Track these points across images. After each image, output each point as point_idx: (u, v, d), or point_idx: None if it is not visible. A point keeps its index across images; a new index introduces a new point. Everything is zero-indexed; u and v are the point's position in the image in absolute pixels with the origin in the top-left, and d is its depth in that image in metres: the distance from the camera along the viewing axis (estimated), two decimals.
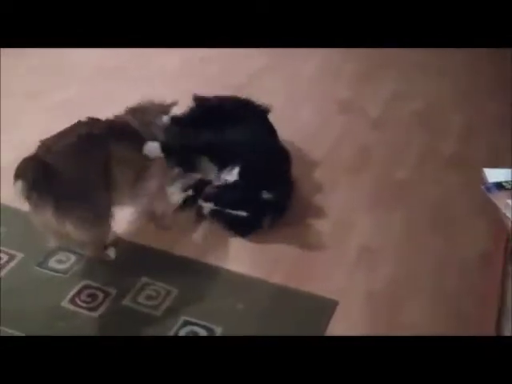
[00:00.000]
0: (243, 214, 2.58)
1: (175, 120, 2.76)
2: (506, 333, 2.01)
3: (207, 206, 2.65)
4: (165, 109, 2.68)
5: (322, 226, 2.71)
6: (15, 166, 2.15)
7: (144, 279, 2.40)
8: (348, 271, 2.48)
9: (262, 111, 3.06)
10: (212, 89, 3.81)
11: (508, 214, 1.83)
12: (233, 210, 2.60)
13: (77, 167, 2.20)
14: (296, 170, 3.07)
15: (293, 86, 3.93)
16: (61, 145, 2.22)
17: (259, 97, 3.71)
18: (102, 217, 2.33)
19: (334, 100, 3.74)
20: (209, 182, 2.73)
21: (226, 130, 2.80)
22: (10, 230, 2.63)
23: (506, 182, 1.98)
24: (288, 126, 3.44)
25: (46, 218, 2.16)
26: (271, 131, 3.02)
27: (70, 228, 2.20)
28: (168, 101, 2.70)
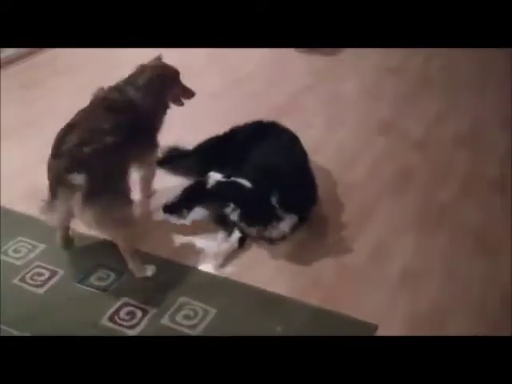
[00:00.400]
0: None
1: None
2: None
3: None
4: None
5: (362, 247, 2.68)
6: None
7: (182, 298, 2.40)
8: (388, 294, 2.44)
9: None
10: (253, 107, 3.86)
11: None
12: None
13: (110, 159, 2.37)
14: (337, 191, 3.06)
15: (333, 106, 3.92)
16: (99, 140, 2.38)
17: (299, 117, 3.74)
18: (126, 202, 2.47)
19: (375, 120, 3.72)
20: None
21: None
22: (50, 247, 2.68)
23: None
24: (328, 147, 3.44)
25: (73, 203, 2.31)
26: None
27: (96, 215, 2.33)
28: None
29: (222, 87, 4.15)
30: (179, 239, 2.76)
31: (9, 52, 4.65)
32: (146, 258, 2.55)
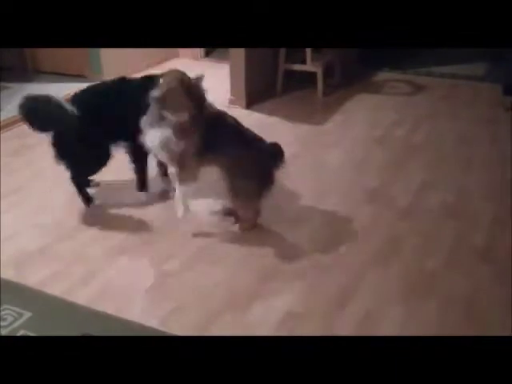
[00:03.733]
0: None
1: None
2: None
3: None
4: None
5: (350, 318, 2.66)
6: None
7: None
8: None
9: None
10: None
11: None
12: None
13: None
14: (324, 259, 3.07)
15: (319, 175, 3.98)
16: None
17: (285, 184, 3.79)
18: None
19: (361, 189, 3.77)
20: None
21: None
22: (37, 315, 2.63)
23: None
24: (315, 215, 3.47)
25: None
26: None
27: None
28: None
29: None
30: None
31: None
32: None
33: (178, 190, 3.20)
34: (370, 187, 3.79)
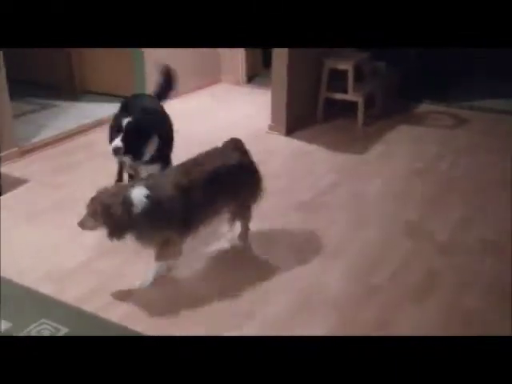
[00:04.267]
0: None
1: None
2: None
3: None
4: None
5: None
6: None
7: None
8: None
9: None
10: (278, 203, 3.92)
11: None
12: None
13: None
14: (360, 291, 3.05)
15: (358, 205, 3.97)
16: None
17: (324, 214, 3.79)
18: None
19: (400, 222, 3.74)
20: None
21: None
22: (73, 331, 2.67)
23: None
24: (352, 246, 3.46)
25: None
26: None
27: None
28: None
29: None
30: None
31: (45, 136, 4.84)
32: None
33: (154, 265, 3.01)
34: (408, 220, 3.76)
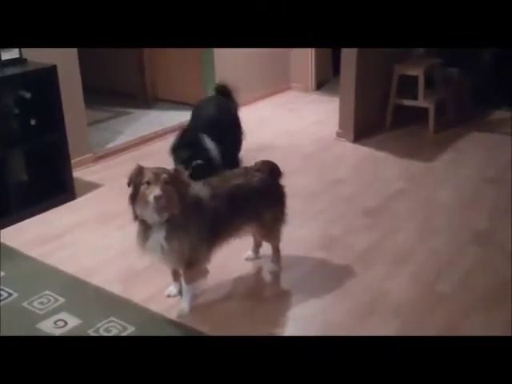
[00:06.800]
0: None
1: None
2: None
3: None
4: None
5: None
6: None
7: None
8: None
9: None
10: (346, 209, 3.91)
11: None
12: None
13: None
14: (425, 299, 2.99)
15: (426, 213, 3.90)
16: None
17: (391, 220, 3.75)
18: None
19: (469, 230, 3.65)
20: None
21: None
22: (139, 330, 2.76)
23: None
24: (419, 253, 3.40)
25: None
26: None
27: None
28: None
29: (317, 188, 4.25)
30: None
31: (118, 142, 5.02)
32: None
33: (186, 290, 2.93)
34: (477, 229, 3.67)
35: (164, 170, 2.67)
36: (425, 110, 5.27)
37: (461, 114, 5.60)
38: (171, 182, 2.63)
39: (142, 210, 2.65)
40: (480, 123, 5.57)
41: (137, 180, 2.65)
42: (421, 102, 5.27)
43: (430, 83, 5.32)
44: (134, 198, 2.66)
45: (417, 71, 5.20)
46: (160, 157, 4.77)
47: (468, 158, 4.78)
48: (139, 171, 2.66)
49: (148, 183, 2.60)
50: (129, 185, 2.68)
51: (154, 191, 2.57)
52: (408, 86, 5.33)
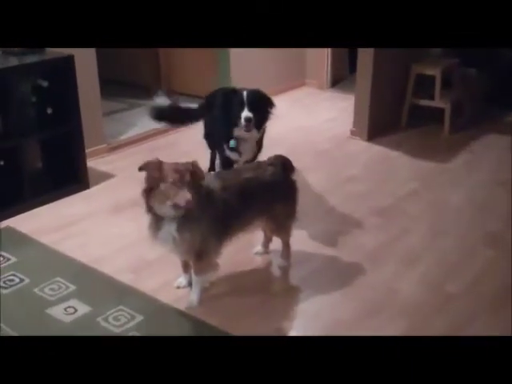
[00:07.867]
0: None
1: None
2: None
3: None
4: None
5: None
6: None
7: None
8: None
9: None
10: (356, 208, 3.91)
11: None
12: None
13: None
14: (434, 301, 2.99)
15: (438, 214, 3.89)
16: None
17: (402, 221, 3.74)
18: None
19: (481, 233, 3.63)
20: None
21: None
22: (147, 319, 2.78)
23: None
24: (429, 254, 3.39)
25: None
26: None
27: None
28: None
29: (329, 185, 4.25)
30: None
31: (132, 134, 5.05)
32: None
33: (195, 281, 2.93)
34: (489, 231, 3.65)
35: (185, 168, 2.62)
36: (441, 111, 5.25)
37: (477, 115, 5.56)
38: (191, 179, 2.61)
39: (160, 206, 2.63)
40: (497, 124, 5.53)
41: (155, 175, 2.61)
42: (437, 102, 5.24)
43: (446, 83, 5.29)
44: (149, 191, 2.64)
45: (434, 71, 5.17)
46: (173, 149, 4.80)
47: (483, 161, 4.75)
48: (158, 166, 2.62)
49: (172, 183, 2.57)
50: (140, 170, 2.64)
51: (186, 195, 2.55)
52: (425, 86, 5.30)
